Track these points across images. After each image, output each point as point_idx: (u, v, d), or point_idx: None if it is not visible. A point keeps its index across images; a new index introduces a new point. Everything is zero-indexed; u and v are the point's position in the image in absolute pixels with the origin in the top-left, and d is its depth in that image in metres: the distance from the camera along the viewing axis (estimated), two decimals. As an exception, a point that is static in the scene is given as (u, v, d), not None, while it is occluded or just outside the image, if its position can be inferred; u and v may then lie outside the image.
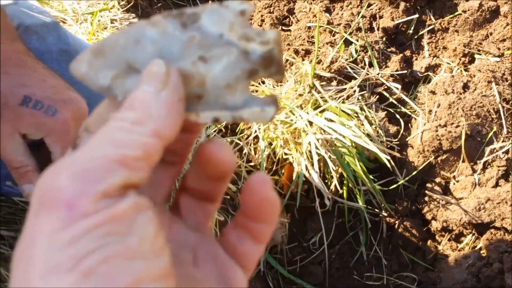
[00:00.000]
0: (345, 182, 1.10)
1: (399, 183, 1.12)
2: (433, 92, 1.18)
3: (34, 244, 0.21)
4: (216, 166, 0.29)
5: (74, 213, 0.21)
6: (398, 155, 1.11)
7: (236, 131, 1.18)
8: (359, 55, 1.24)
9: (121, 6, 1.20)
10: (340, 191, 1.10)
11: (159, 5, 1.39)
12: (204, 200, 0.31)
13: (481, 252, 1.06)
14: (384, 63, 1.25)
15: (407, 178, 1.12)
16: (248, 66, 0.28)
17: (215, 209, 0.32)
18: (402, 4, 1.28)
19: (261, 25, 1.39)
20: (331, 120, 1.09)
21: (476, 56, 1.23)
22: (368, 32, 1.28)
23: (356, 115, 1.13)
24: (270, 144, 1.13)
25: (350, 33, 1.26)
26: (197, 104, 0.28)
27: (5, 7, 0.67)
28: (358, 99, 1.15)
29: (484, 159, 1.09)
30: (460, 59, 1.25)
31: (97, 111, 0.28)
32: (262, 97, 0.28)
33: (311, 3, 1.35)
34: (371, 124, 1.12)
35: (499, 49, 1.22)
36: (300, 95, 1.16)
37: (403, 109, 1.19)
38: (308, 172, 1.07)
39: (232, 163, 0.29)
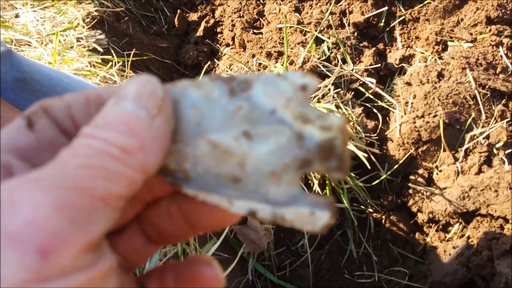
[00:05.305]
0: (327, 182, 1.08)
1: (382, 177, 1.10)
2: (409, 84, 1.17)
3: None
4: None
5: (49, 267, 0.17)
6: (377, 151, 1.10)
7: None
8: (331, 52, 1.22)
9: (86, 23, 1.18)
10: (323, 191, 1.08)
11: (126, 18, 1.36)
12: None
13: (469, 240, 1.05)
14: (357, 58, 1.24)
15: (389, 172, 1.11)
16: (301, 153, 0.23)
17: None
18: (371, -3, 1.27)
19: (232, 30, 1.38)
20: (308, 121, 1.08)
21: (449, 43, 1.23)
22: (339, 28, 1.27)
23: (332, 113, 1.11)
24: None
25: (321, 31, 1.24)
26: (231, 189, 0.23)
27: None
28: (333, 97, 1.13)
29: (465, 146, 1.08)
30: (433, 48, 1.24)
31: None
32: (314, 197, 0.23)
33: (280, 4, 1.34)
34: (348, 121, 1.11)
35: (471, 34, 1.21)
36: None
37: (380, 103, 1.18)
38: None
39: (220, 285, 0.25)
